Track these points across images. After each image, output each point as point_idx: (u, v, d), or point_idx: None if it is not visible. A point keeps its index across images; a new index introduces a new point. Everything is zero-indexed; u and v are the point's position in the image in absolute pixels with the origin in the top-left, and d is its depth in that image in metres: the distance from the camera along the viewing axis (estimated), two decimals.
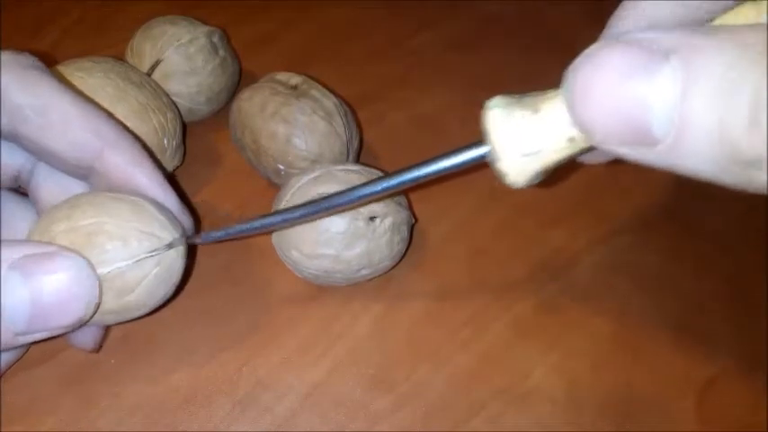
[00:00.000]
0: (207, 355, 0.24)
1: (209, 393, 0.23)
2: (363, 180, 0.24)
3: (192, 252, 0.22)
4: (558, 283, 0.27)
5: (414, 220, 0.26)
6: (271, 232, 0.25)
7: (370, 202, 0.24)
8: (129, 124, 0.25)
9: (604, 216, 0.29)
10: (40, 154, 0.21)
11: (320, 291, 0.26)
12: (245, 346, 0.24)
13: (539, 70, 0.36)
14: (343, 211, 0.24)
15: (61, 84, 0.21)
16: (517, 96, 0.16)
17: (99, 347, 0.23)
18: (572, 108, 0.14)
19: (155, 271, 0.20)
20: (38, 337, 0.19)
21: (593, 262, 0.27)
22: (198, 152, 0.30)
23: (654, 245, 0.28)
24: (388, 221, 0.24)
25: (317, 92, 0.28)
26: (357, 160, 0.29)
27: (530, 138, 0.15)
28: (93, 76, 0.26)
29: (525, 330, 0.25)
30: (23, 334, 0.19)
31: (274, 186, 0.28)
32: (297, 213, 0.20)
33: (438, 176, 0.18)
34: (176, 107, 0.28)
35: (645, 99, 0.13)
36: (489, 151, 0.17)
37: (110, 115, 0.22)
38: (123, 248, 0.20)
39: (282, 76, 0.28)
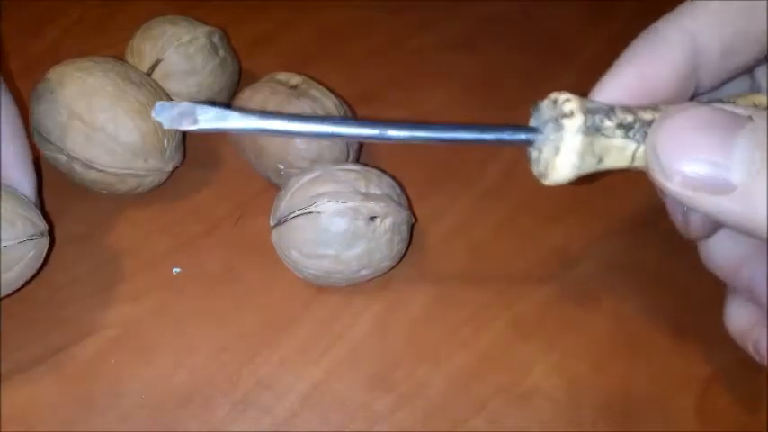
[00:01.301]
0: (207, 355, 0.24)
1: (209, 393, 0.23)
2: (363, 180, 0.24)
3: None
4: (557, 282, 0.27)
5: (414, 220, 0.26)
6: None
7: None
8: (129, 124, 0.26)
9: (604, 215, 0.29)
10: None
11: (320, 291, 0.26)
12: (245, 346, 0.24)
13: (539, 70, 0.36)
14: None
15: None
16: (596, 120, 0.17)
17: None
18: (655, 154, 0.16)
19: (31, 253, 0.23)
20: None
21: (593, 261, 0.27)
22: (198, 152, 0.30)
23: (654, 243, 0.28)
24: (388, 221, 0.24)
25: (317, 92, 0.28)
26: (357, 160, 0.29)
27: (580, 174, 0.17)
28: (92, 76, 0.26)
29: (525, 330, 0.25)
30: None
31: (274, 186, 0.28)
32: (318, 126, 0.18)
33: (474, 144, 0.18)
34: None
35: (728, 148, 0.15)
36: (532, 145, 0.18)
37: (7, 105, 0.24)
38: (11, 228, 0.22)
39: (282, 76, 0.29)
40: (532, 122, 0.18)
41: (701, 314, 0.25)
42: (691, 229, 0.22)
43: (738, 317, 0.22)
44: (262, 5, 0.38)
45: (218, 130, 0.17)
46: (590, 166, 0.17)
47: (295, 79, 0.28)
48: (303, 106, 0.27)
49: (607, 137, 0.17)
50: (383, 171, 0.26)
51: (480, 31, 0.38)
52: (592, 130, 0.17)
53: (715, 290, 0.23)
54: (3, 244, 0.22)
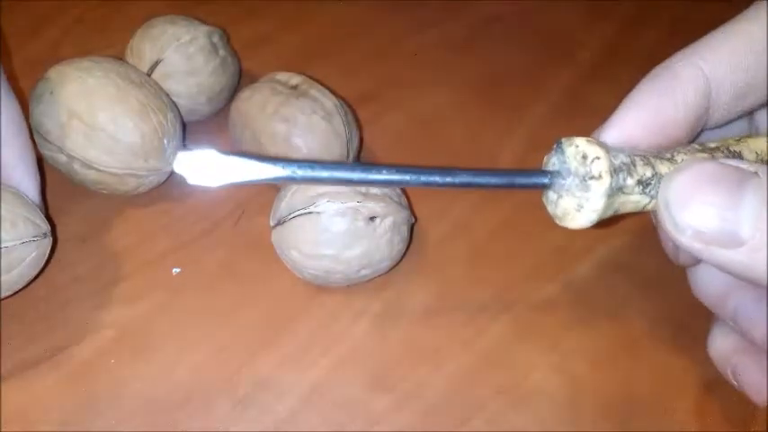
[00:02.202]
0: (207, 355, 0.24)
1: (209, 393, 0.23)
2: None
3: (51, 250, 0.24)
4: (558, 283, 0.27)
5: (414, 220, 0.26)
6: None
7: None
8: (129, 124, 0.26)
9: None
10: None
11: (320, 291, 0.26)
12: (245, 346, 0.24)
13: (539, 70, 0.36)
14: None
15: None
16: (620, 179, 0.17)
17: None
18: (667, 209, 0.16)
19: (33, 254, 0.23)
20: None
21: (593, 262, 0.27)
22: None
23: (654, 244, 0.28)
24: (388, 221, 0.24)
25: (316, 92, 0.28)
26: (357, 160, 0.29)
27: (598, 220, 0.18)
28: (92, 76, 0.26)
29: (525, 330, 0.25)
30: None
31: (274, 186, 0.28)
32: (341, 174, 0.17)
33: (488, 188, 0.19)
34: (176, 107, 0.28)
35: (737, 203, 0.15)
36: (554, 187, 0.18)
37: (11, 106, 0.24)
38: (12, 229, 0.22)
39: (282, 76, 0.28)
40: (553, 162, 0.18)
41: (700, 314, 0.25)
42: (680, 257, 0.23)
43: (721, 343, 0.23)
44: (262, 5, 0.38)
45: (248, 182, 0.16)
46: (605, 216, 0.18)
47: (295, 79, 0.28)
48: (303, 106, 0.27)
49: (627, 194, 0.18)
50: None
51: (480, 31, 0.38)
52: (615, 191, 0.17)
53: None
54: (4, 245, 0.22)
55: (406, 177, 0.17)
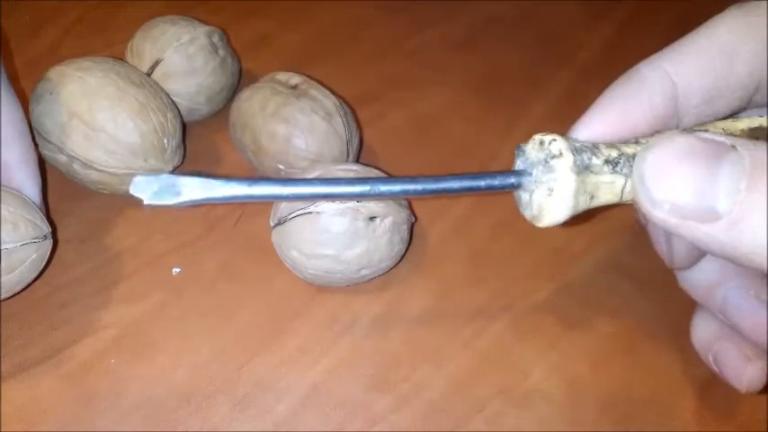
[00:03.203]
0: (207, 355, 0.24)
1: (209, 393, 0.23)
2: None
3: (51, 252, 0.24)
4: (557, 282, 0.27)
5: (414, 220, 0.26)
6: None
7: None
8: (129, 124, 0.26)
9: (604, 215, 0.29)
10: None
11: (320, 291, 0.26)
12: (245, 346, 0.24)
13: (539, 70, 0.36)
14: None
15: None
16: (584, 158, 0.17)
17: None
18: (642, 183, 0.16)
19: (33, 256, 0.23)
20: None
21: (592, 262, 0.27)
22: (198, 152, 0.30)
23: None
24: (388, 221, 0.24)
25: (317, 92, 0.28)
26: (357, 160, 0.29)
27: (575, 213, 0.17)
28: (92, 76, 0.26)
29: (525, 330, 0.25)
30: None
31: None
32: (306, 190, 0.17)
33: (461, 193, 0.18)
34: (176, 107, 0.28)
35: (714, 177, 0.15)
36: (521, 187, 0.18)
37: (13, 108, 0.24)
38: (14, 231, 0.22)
39: (282, 76, 0.29)
40: (518, 165, 0.18)
41: None
42: (675, 258, 0.22)
43: (703, 330, 0.23)
44: (262, 5, 0.38)
45: (204, 200, 0.16)
46: (583, 205, 0.17)
47: (295, 79, 0.28)
48: (303, 106, 0.27)
49: (596, 174, 0.17)
50: (383, 171, 0.26)
51: (480, 31, 0.38)
52: (581, 169, 0.17)
53: None
54: (4, 246, 0.22)
55: (366, 188, 0.17)
